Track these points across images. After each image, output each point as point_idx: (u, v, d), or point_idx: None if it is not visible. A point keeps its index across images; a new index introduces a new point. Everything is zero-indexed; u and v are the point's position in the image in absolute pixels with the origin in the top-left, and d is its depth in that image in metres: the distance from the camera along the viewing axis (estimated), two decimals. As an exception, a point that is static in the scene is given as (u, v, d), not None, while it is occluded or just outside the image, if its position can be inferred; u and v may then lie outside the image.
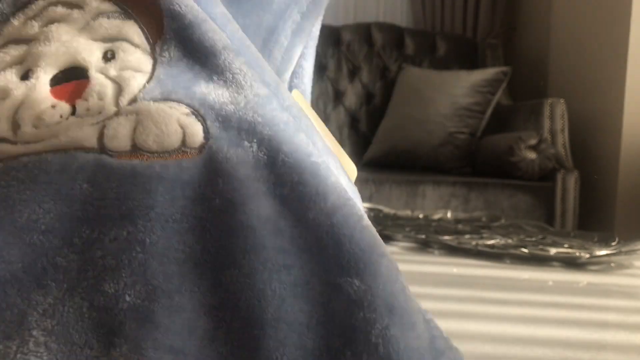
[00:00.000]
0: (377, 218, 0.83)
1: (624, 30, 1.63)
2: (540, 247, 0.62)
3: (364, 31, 2.10)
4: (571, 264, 0.61)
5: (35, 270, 0.21)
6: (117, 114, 0.24)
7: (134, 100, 0.24)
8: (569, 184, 1.54)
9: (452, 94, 1.75)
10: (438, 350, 0.24)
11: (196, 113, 0.24)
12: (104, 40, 0.26)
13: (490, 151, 1.61)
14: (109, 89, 0.25)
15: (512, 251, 0.61)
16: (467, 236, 0.69)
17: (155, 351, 0.20)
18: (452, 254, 0.64)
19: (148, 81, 0.25)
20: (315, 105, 2.02)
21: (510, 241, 0.67)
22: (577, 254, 0.60)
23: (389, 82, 2.06)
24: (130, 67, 0.25)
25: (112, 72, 0.25)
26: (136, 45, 0.26)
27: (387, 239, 0.72)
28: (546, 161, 1.52)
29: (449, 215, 0.86)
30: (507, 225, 0.79)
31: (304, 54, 0.36)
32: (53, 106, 0.24)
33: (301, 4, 0.33)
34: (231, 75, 0.25)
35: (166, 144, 0.23)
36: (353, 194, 0.31)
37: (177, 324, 0.21)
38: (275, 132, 0.24)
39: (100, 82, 0.25)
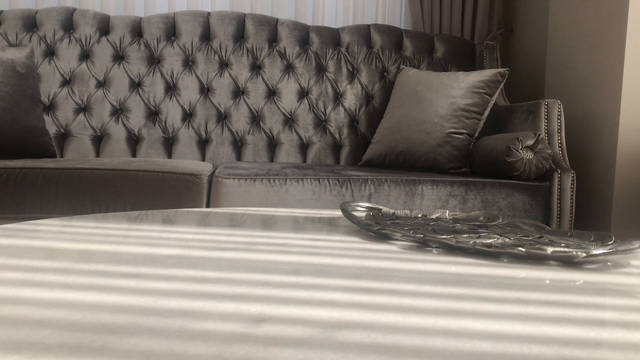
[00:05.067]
0: (376, 217, 0.83)
1: (620, 31, 1.64)
2: (537, 246, 0.62)
3: (363, 33, 2.11)
4: (568, 262, 0.61)
5: None
6: None
7: None
8: (566, 184, 1.55)
9: (450, 95, 1.75)
10: None
11: None
12: None
13: (487, 151, 1.61)
14: None
15: (510, 250, 0.62)
16: (465, 235, 0.69)
17: None
18: (450, 253, 0.64)
19: None
20: (315, 105, 2.03)
21: (507, 240, 0.67)
22: (574, 253, 0.60)
23: (387, 83, 2.07)
24: None
25: None
26: None
27: (386, 238, 0.72)
28: (543, 161, 1.53)
29: (447, 214, 0.86)
30: (504, 225, 0.79)
31: None
32: None
33: None
34: None
35: None
36: None
37: None
38: None
39: None
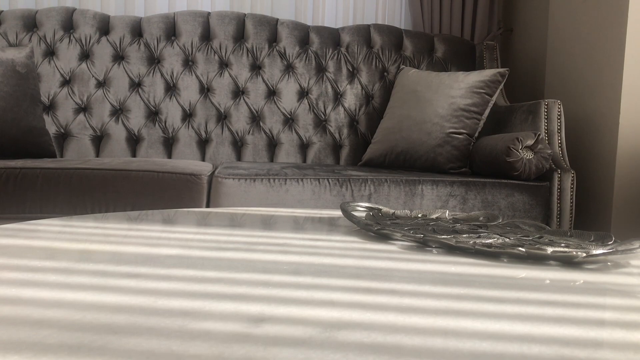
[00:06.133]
0: (376, 217, 0.83)
1: (620, 31, 1.64)
2: (537, 246, 0.62)
3: (363, 33, 2.11)
4: (568, 262, 0.61)
5: None
6: None
7: None
8: (566, 184, 1.55)
9: (450, 95, 1.75)
10: None
11: None
12: None
13: (487, 151, 1.61)
14: None
15: (510, 250, 0.62)
16: (465, 235, 0.69)
17: None
18: (450, 253, 0.64)
19: None
20: (315, 105, 2.03)
21: (507, 240, 0.67)
22: (574, 253, 0.60)
23: (387, 83, 2.07)
24: None
25: None
26: None
27: (386, 238, 0.72)
28: (543, 161, 1.53)
29: (447, 214, 0.86)
30: (504, 225, 0.79)
31: None
32: None
33: None
34: None
35: None
36: None
37: None
38: None
39: None
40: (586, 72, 1.82)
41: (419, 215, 0.87)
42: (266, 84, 2.02)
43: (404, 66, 2.06)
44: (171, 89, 1.98)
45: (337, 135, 2.02)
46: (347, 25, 2.15)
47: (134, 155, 1.94)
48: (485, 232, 0.73)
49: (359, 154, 2.02)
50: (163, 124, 1.95)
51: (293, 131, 2.01)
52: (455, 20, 2.27)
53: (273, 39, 2.06)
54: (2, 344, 0.34)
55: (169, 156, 1.96)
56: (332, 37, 2.09)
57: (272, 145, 2.00)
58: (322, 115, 2.03)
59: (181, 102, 1.97)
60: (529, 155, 1.52)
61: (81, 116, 1.92)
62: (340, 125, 2.03)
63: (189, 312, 0.40)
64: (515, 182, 1.52)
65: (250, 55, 2.03)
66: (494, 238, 0.67)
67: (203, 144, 1.98)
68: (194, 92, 1.98)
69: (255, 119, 2.00)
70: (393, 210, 0.88)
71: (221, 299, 0.43)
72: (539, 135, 1.53)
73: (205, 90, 2.00)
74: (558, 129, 1.64)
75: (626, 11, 1.61)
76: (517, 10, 2.35)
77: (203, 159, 1.96)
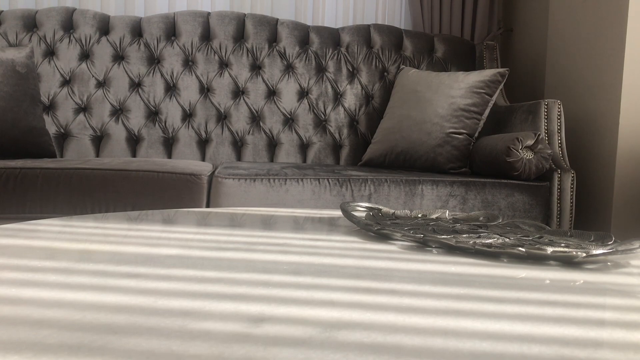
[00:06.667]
0: (376, 217, 0.83)
1: (620, 30, 1.64)
2: (537, 246, 0.62)
3: (363, 33, 2.11)
4: (568, 262, 0.61)
5: None
6: None
7: None
8: (566, 184, 1.55)
9: (450, 95, 1.75)
10: None
11: None
12: None
13: (487, 151, 1.61)
14: None
15: (510, 250, 0.62)
16: (465, 235, 0.69)
17: None
18: (450, 253, 0.64)
19: None
20: (315, 105, 2.03)
21: (507, 240, 0.67)
22: (574, 253, 0.60)
23: (387, 83, 2.07)
24: None
25: None
26: None
27: (386, 238, 0.72)
28: (543, 161, 1.53)
29: (447, 214, 0.86)
30: (504, 225, 0.79)
31: None
32: None
33: None
34: None
35: None
36: None
37: None
38: None
39: None
40: (586, 72, 1.82)
41: (419, 215, 0.87)
42: (266, 84, 2.02)
43: (404, 66, 2.06)
44: (171, 89, 1.98)
45: (337, 135, 2.02)
46: (347, 25, 2.15)
47: (134, 155, 1.94)
48: (485, 232, 0.73)
49: (359, 154, 2.02)
50: (163, 124, 1.95)
51: (293, 131, 2.01)
52: (455, 20, 2.27)
53: (273, 39, 2.06)
54: (2, 344, 0.34)
55: (169, 156, 1.96)
56: (332, 37, 2.09)
57: (272, 145, 2.00)
58: (322, 115, 2.03)
59: (181, 102, 1.97)
60: (529, 155, 1.52)
61: (81, 116, 1.92)
62: (340, 125, 2.03)
63: (189, 312, 0.40)
64: (515, 182, 1.52)
65: (250, 55, 2.03)
66: (494, 238, 0.67)
67: (203, 144, 1.98)
68: (194, 92, 1.99)
69: (255, 119, 2.00)
70: (393, 210, 0.88)
71: (221, 299, 0.43)
72: (539, 135, 1.53)
73: (205, 90, 2.00)
74: (558, 129, 1.64)
75: (626, 11, 1.61)
76: (517, 10, 2.35)
77: (203, 159, 1.96)
